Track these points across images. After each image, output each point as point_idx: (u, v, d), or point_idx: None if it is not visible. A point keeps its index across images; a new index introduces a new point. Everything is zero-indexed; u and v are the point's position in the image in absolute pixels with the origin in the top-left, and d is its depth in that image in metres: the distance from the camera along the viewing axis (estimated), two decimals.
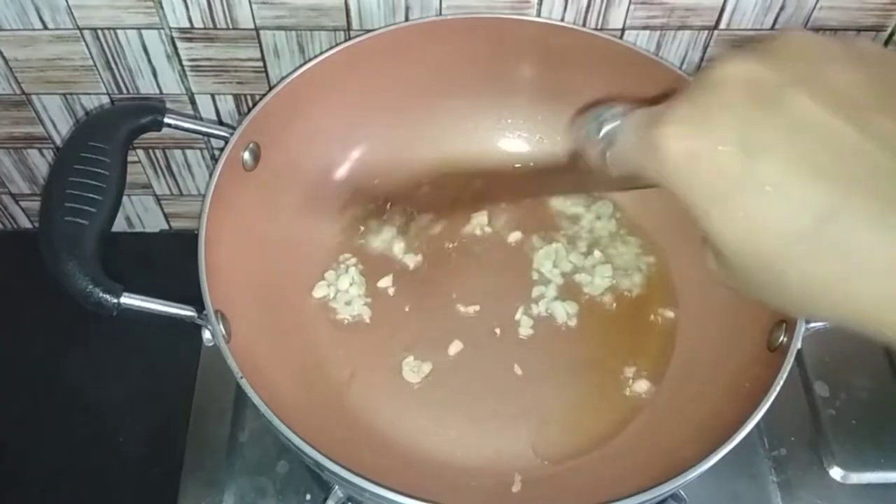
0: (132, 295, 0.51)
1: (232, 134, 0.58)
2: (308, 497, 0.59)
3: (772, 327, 0.56)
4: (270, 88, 0.61)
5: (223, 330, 0.52)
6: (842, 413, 0.63)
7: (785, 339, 0.54)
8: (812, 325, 0.53)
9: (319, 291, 0.65)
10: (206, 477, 0.60)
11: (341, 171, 0.70)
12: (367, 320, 0.64)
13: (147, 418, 0.85)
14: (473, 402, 0.60)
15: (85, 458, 0.85)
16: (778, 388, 0.49)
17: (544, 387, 0.62)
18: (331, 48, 0.63)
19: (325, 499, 0.58)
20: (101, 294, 0.50)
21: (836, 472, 0.61)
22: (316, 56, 0.63)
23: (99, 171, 0.54)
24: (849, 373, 0.65)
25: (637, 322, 0.65)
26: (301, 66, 0.63)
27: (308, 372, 0.61)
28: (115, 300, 0.51)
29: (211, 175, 0.56)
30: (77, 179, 0.53)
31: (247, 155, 0.60)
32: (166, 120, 0.58)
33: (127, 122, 0.57)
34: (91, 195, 0.53)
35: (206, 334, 0.52)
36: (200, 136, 0.82)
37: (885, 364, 0.66)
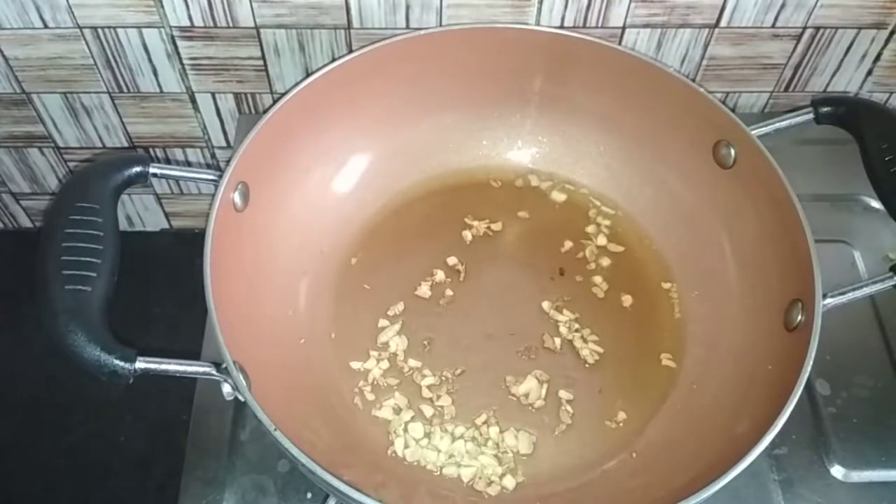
0: (147, 358, 0.49)
1: (220, 177, 0.56)
2: (309, 496, 0.59)
3: (787, 306, 0.56)
4: (255, 124, 0.59)
5: (244, 382, 0.50)
6: (843, 411, 0.63)
7: (803, 318, 0.54)
8: (828, 301, 0.53)
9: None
10: (206, 476, 0.60)
11: (335, 204, 0.68)
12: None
13: (147, 417, 0.85)
14: (474, 426, 0.60)
15: (85, 457, 0.85)
16: (810, 366, 0.50)
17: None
18: (308, 76, 0.62)
19: (326, 497, 0.59)
20: (115, 362, 0.48)
21: (837, 471, 0.61)
22: (295, 85, 0.61)
23: (92, 232, 0.51)
24: (850, 371, 0.65)
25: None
26: (282, 96, 0.61)
27: (325, 408, 0.60)
28: (131, 366, 0.48)
29: (206, 226, 0.54)
30: (71, 244, 0.50)
31: (236, 196, 0.58)
32: (151, 170, 0.56)
33: (112, 177, 0.55)
34: (88, 259, 0.50)
35: (226, 388, 0.50)
36: (201, 135, 0.83)
37: (886, 362, 0.66)
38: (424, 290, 0.66)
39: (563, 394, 0.61)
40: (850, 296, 0.54)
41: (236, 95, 0.78)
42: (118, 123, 0.81)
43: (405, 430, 0.60)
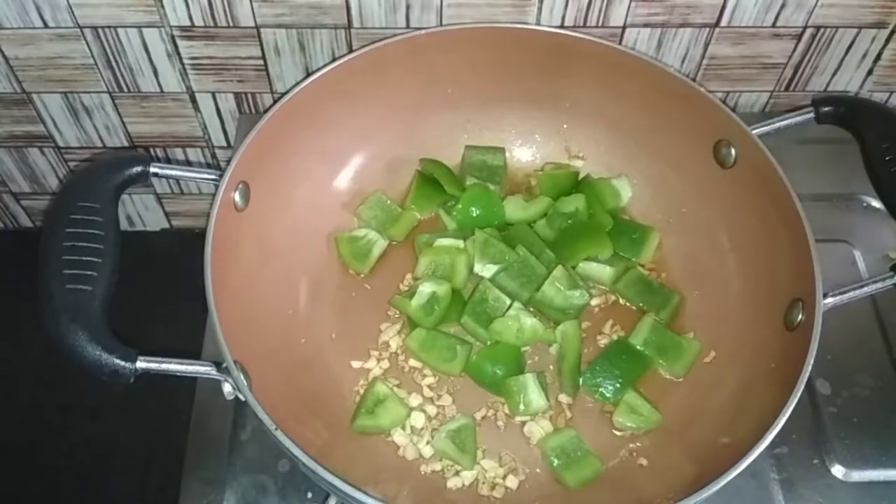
0: (147, 358, 0.49)
1: (221, 176, 0.56)
2: (309, 495, 0.59)
3: (787, 306, 0.56)
4: (255, 124, 0.59)
5: (244, 381, 0.50)
6: (843, 411, 0.63)
7: (803, 317, 0.54)
8: (828, 300, 0.53)
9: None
10: (207, 475, 0.60)
11: (335, 204, 0.68)
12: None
13: (147, 417, 0.85)
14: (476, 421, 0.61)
15: (85, 457, 0.85)
16: (811, 366, 0.50)
17: None
18: (308, 76, 0.62)
19: (327, 497, 0.58)
20: (116, 361, 0.48)
21: (837, 470, 0.61)
22: (296, 85, 0.61)
23: (93, 231, 0.51)
24: (850, 371, 0.65)
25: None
26: (282, 96, 0.61)
27: (325, 408, 0.60)
28: (132, 366, 0.48)
29: (206, 226, 0.54)
30: (72, 244, 0.50)
31: (237, 196, 0.58)
32: (152, 170, 0.56)
33: (113, 177, 0.55)
34: (89, 258, 0.50)
35: (227, 388, 0.50)
36: (201, 135, 0.83)
37: (886, 362, 0.66)
38: None
39: (564, 394, 0.61)
40: (851, 295, 0.54)
41: (236, 95, 0.78)
42: (118, 123, 0.81)
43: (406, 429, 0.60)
